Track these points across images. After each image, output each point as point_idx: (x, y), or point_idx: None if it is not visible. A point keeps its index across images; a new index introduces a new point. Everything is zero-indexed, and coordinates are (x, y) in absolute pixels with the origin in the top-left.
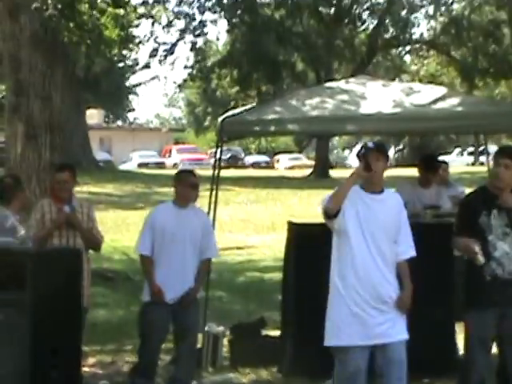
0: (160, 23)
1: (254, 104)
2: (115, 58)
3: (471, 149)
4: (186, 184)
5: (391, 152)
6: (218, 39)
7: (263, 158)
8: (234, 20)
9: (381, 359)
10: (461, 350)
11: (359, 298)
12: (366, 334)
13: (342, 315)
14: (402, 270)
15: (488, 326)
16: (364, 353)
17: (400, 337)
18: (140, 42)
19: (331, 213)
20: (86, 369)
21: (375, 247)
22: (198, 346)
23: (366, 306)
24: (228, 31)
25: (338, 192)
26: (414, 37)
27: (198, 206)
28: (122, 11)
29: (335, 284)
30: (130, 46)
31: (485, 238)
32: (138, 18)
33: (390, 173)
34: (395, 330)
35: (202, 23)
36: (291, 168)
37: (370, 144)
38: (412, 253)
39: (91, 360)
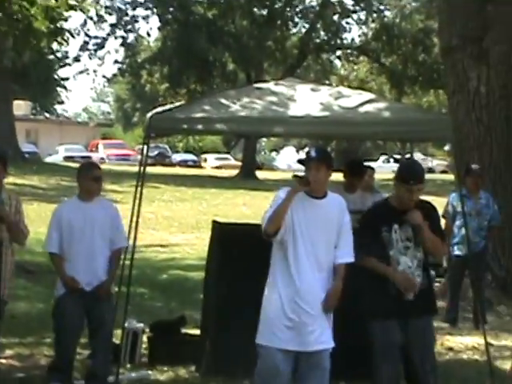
0: (91, 18)
1: (183, 102)
2: (45, 50)
3: (398, 156)
4: (88, 177)
5: None
6: (149, 35)
7: (190, 157)
8: (165, 17)
9: (304, 365)
10: None
11: (293, 303)
12: (296, 339)
13: (274, 317)
14: (338, 273)
15: (391, 334)
16: (288, 357)
17: (327, 345)
18: (71, 35)
19: (272, 233)
20: (2, 361)
21: (313, 253)
22: (117, 341)
23: (298, 312)
24: (159, 28)
25: (275, 215)
26: (345, 42)
27: (117, 200)
28: (52, 2)
29: (271, 286)
30: (60, 39)
31: (387, 254)
32: (67, 11)
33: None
34: (323, 338)
35: (134, 19)
36: (218, 168)
37: (313, 152)
38: (349, 259)
39: (8, 352)
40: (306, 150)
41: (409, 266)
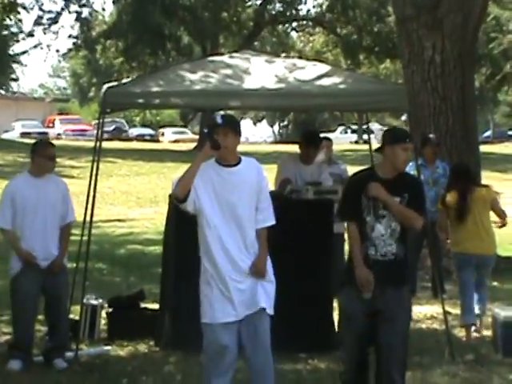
0: None
1: (139, 76)
2: None
3: (355, 127)
4: (43, 155)
5: (276, 128)
6: (103, 9)
7: (147, 131)
8: None
9: (245, 332)
10: (337, 327)
11: (221, 274)
12: (230, 310)
13: (208, 292)
14: (261, 238)
15: (357, 302)
16: (231, 331)
17: (261, 306)
18: (25, 9)
19: (181, 197)
20: None
21: (234, 222)
22: (76, 317)
23: (228, 282)
24: (114, 2)
25: (184, 177)
26: (300, 13)
27: (74, 176)
28: None
29: (202, 262)
30: (13, 14)
31: (363, 219)
32: None
33: (274, 148)
34: (256, 301)
35: None
36: (176, 141)
37: (219, 119)
38: (271, 221)
39: None
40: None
41: (381, 234)
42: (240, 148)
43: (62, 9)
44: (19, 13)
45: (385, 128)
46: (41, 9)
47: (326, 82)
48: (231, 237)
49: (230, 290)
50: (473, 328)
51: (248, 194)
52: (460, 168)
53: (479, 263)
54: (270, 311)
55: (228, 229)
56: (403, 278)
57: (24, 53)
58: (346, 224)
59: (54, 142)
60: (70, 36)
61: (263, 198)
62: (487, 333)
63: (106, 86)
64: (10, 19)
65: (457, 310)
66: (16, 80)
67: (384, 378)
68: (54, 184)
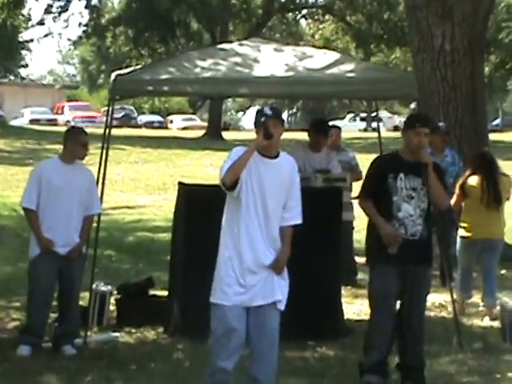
0: None
1: (148, 63)
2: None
3: (364, 114)
4: (76, 142)
5: (284, 116)
6: None
7: (156, 118)
8: None
9: (253, 321)
10: (346, 314)
11: (241, 262)
12: (241, 295)
13: (223, 274)
14: (285, 236)
15: (390, 284)
16: (240, 314)
17: (272, 298)
18: None
19: (229, 184)
20: None
21: (263, 212)
22: (85, 304)
23: (245, 270)
24: None
25: (236, 164)
26: (310, 1)
27: (84, 163)
28: None
29: (222, 244)
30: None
31: (390, 199)
32: None
33: (282, 136)
34: (269, 294)
35: None
36: (184, 129)
37: (268, 111)
38: (298, 220)
39: None
40: (257, 109)
41: (410, 214)
42: (248, 136)
43: None
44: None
45: (394, 116)
46: None
47: (335, 69)
48: (258, 226)
49: (244, 278)
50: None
51: (280, 187)
52: (487, 155)
53: (489, 247)
54: (282, 306)
55: (256, 218)
56: (429, 257)
57: (32, 40)
58: (365, 204)
59: (63, 128)
60: (79, 24)
61: (293, 196)
62: (495, 321)
63: (115, 74)
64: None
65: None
66: (25, 67)
67: (412, 359)
68: (82, 173)
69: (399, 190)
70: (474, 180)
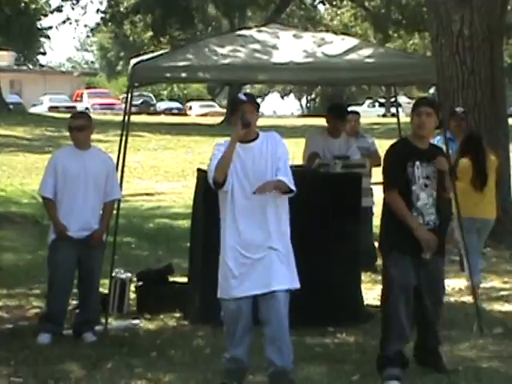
0: None
1: (167, 50)
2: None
3: (382, 100)
4: (70, 127)
5: (303, 101)
6: None
7: (175, 105)
8: None
9: (261, 309)
10: (366, 300)
11: (235, 251)
12: (244, 286)
13: (225, 267)
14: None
15: (408, 273)
16: (244, 303)
17: (278, 287)
18: None
19: (220, 182)
20: None
21: (254, 196)
22: (105, 291)
23: (245, 260)
24: None
25: (223, 160)
26: None
27: (103, 150)
28: None
29: (221, 239)
30: None
31: (409, 189)
32: None
33: (301, 122)
34: (273, 280)
35: None
36: (203, 115)
37: (242, 96)
38: (291, 187)
39: None
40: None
41: (425, 203)
42: (267, 122)
43: None
44: None
45: (412, 101)
46: None
47: (353, 55)
48: (249, 212)
49: (243, 268)
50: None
51: (264, 167)
52: (475, 135)
53: (482, 227)
54: (293, 284)
55: (248, 204)
56: (442, 246)
57: (51, 28)
58: (393, 198)
59: None
60: (97, 11)
61: (281, 169)
62: None
63: (134, 61)
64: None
65: (485, 284)
66: (44, 54)
67: (431, 352)
68: (100, 159)
69: (417, 179)
70: (464, 161)
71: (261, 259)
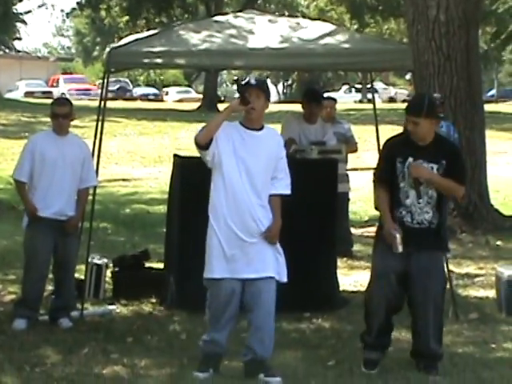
0: None
1: (143, 34)
2: None
3: (359, 86)
4: (51, 113)
5: (280, 87)
6: None
7: (152, 91)
8: None
9: (249, 294)
10: (342, 286)
11: (230, 231)
12: (235, 268)
13: (213, 248)
14: (275, 205)
15: (390, 261)
16: (233, 286)
17: (267, 273)
18: None
19: (201, 143)
20: None
21: (249, 183)
22: (81, 277)
23: (235, 241)
24: None
25: (209, 123)
26: None
27: (79, 135)
28: None
29: (210, 216)
30: None
31: (397, 185)
32: None
33: (278, 108)
34: (263, 267)
35: None
36: (180, 101)
37: (253, 80)
38: (287, 191)
39: None
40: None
41: (418, 202)
42: None
43: None
44: None
45: (389, 88)
46: None
47: (330, 41)
48: (245, 197)
49: (233, 250)
50: None
51: (266, 159)
52: None
53: None
54: (282, 278)
55: (243, 189)
56: (438, 244)
57: (28, 12)
58: (377, 191)
59: None
60: None
61: (281, 169)
62: (491, 292)
63: (110, 46)
64: None
65: (461, 269)
66: (20, 39)
67: (422, 347)
68: (77, 145)
69: (407, 176)
70: None
71: (254, 244)
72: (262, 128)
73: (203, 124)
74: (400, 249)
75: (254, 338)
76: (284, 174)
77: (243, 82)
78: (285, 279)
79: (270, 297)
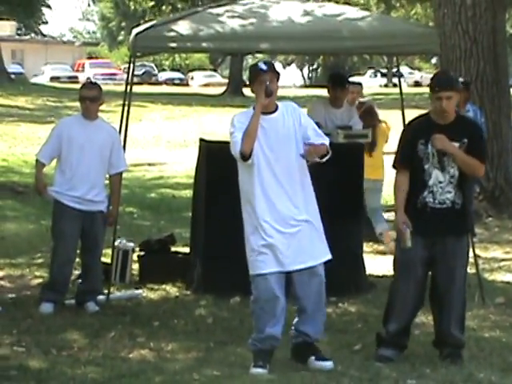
0: None
1: (169, 18)
2: None
3: (384, 70)
4: (79, 96)
5: (305, 71)
6: None
7: (177, 75)
8: None
9: (298, 284)
10: (368, 270)
11: (269, 226)
12: (281, 261)
13: (253, 244)
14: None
15: (414, 251)
16: (279, 279)
17: (314, 262)
18: None
19: (248, 153)
20: None
21: (280, 168)
22: (108, 261)
23: (276, 234)
24: None
25: (249, 132)
26: None
27: (106, 120)
28: None
29: (245, 212)
30: None
31: (422, 167)
32: None
33: (303, 92)
34: (309, 255)
35: None
36: (205, 85)
37: (263, 66)
38: (326, 141)
39: None
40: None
41: (439, 181)
42: None
43: None
44: None
45: (415, 72)
46: None
47: (356, 24)
48: (277, 185)
49: (278, 242)
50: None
51: (288, 138)
52: (368, 108)
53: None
54: (326, 256)
55: (274, 177)
56: (463, 226)
57: None
58: (397, 176)
59: None
60: None
61: (311, 132)
62: None
63: (136, 30)
64: None
65: (487, 254)
66: (45, 23)
67: (445, 336)
68: (105, 131)
69: (430, 157)
70: None
71: (295, 234)
72: (276, 108)
73: (228, 108)
74: (409, 244)
75: (307, 323)
76: (316, 133)
77: (255, 70)
78: (329, 256)
79: (319, 282)
